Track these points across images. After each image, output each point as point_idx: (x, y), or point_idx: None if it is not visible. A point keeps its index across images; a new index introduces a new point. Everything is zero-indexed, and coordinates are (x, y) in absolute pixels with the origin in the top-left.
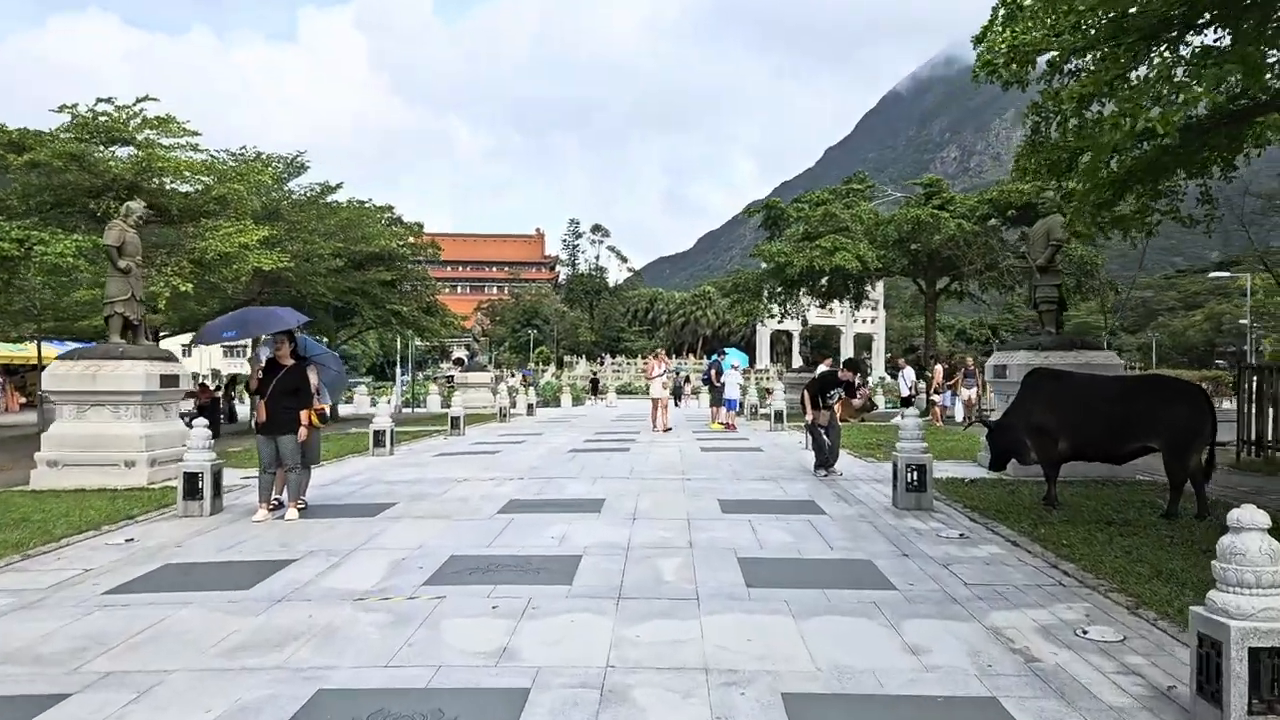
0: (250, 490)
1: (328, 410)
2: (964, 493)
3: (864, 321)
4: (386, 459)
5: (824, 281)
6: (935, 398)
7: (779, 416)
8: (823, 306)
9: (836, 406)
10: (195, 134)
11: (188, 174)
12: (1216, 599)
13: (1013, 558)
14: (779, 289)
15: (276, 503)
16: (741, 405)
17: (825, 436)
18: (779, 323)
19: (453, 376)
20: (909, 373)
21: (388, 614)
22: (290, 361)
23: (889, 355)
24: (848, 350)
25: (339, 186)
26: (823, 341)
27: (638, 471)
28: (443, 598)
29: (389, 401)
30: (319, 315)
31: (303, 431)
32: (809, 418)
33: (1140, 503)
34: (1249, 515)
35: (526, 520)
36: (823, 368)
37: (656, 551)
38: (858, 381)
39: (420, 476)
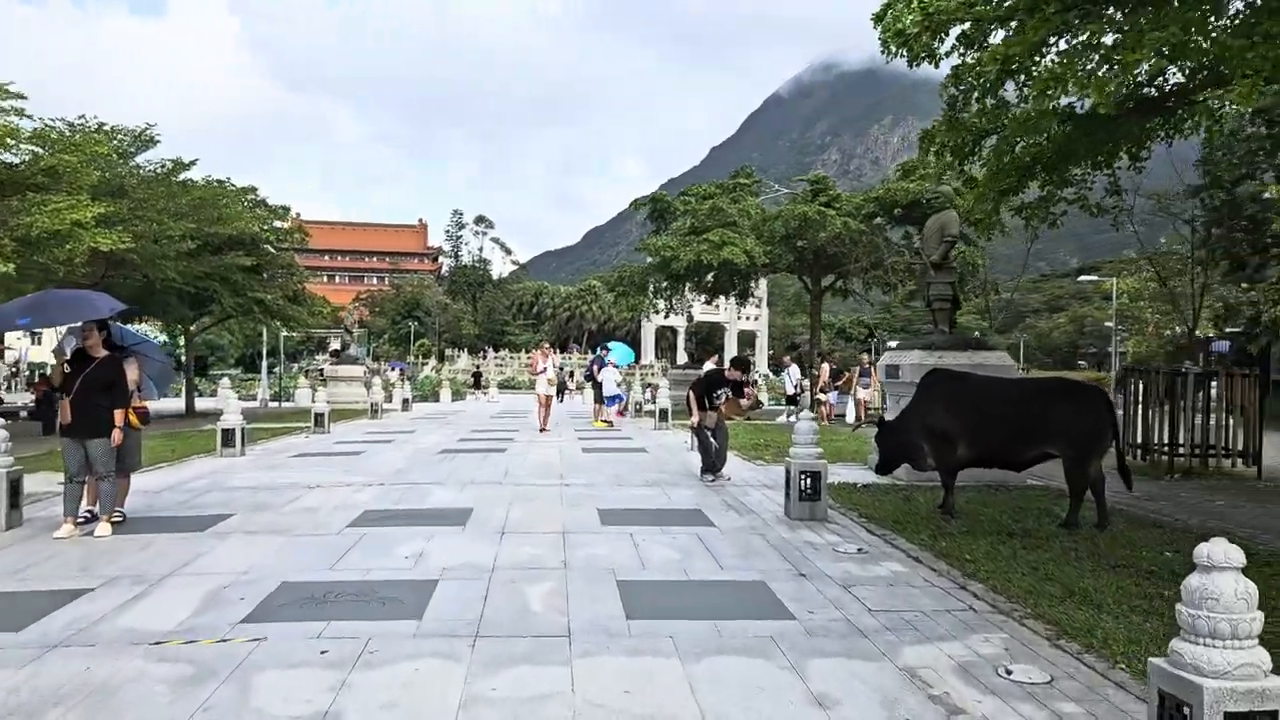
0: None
1: (150, 408)
2: (858, 500)
3: (748, 318)
4: (235, 461)
5: (710, 277)
6: (821, 396)
7: (663, 415)
8: (709, 303)
9: (723, 407)
10: (20, 97)
11: (10, 142)
12: (1185, 652)
13: (917, 576)
14: (665, 284)
15: (87, 515)
16: (625, 402)
17: (712, 439)
18: (666, 318)
19: (324, 369)
20: (794, 370)
21: (188, 664)
22: (103, 353)
23: (771, 352)
24: (731, 347)
25: (193, 163)
26: (707, 338)
27: (513, 475)
28: (262, 640)
29: (257, 395)
30: (172, 302)
31: (117, 434)
32: (695, 420)
33: (1037, 510)
34: (1221, 551)
35: (380, 535)
36: (709, 365)
37: (526, 574)
38: (746, 380)
39: (268, 482)
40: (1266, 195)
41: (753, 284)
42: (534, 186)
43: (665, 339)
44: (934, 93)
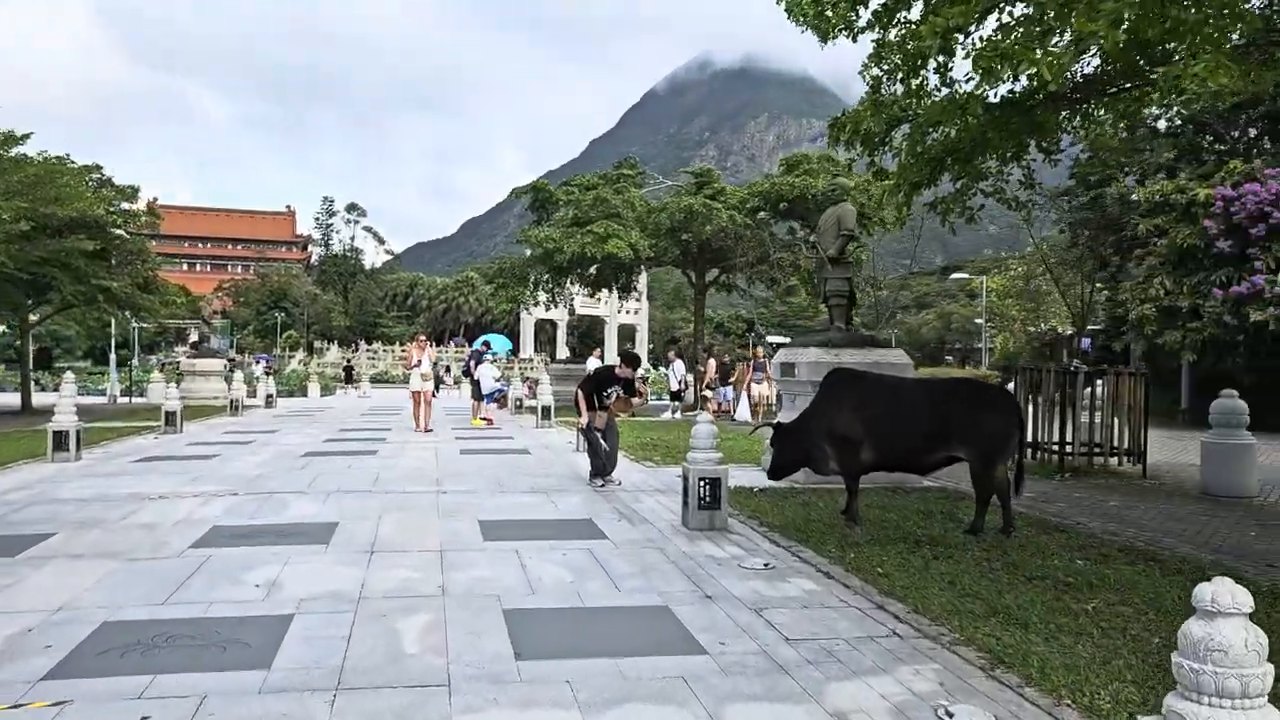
0: None
1: None
2: (756, 506)
3: (628, 312)
4: (67, 467)
5: (593, 270)
6: (708, 393)
7: (546, 412)
8: (591, 295)
9: (613, 406)
10: None
11: None
12: (1187, 714)
13: (831, 595)
14: (547, 276)
15: None
16: (505, 397)
17: (602, 441)
18: (548, 311)
19: (180, 362)
20: (679, 366)
21: None
22: None
23: (651, 346)
24: (612, 341)
25: (26, 138)
26: (587, 332)
27: (384, 482)
28: (66, 703)
29: (106, 391)
30: (5, 289)
31: None
32: (583, 421)
33: (941, 515)
34: (1227, 594)
35: (228, 558)
36: (593, 360)
37: (398, 604)
38: (636, 378)
39: (103, 492)
40: (1134, 197)
41: (635, 277)
42: (409, 175)
43: (545, 332)
44: (808, 92)
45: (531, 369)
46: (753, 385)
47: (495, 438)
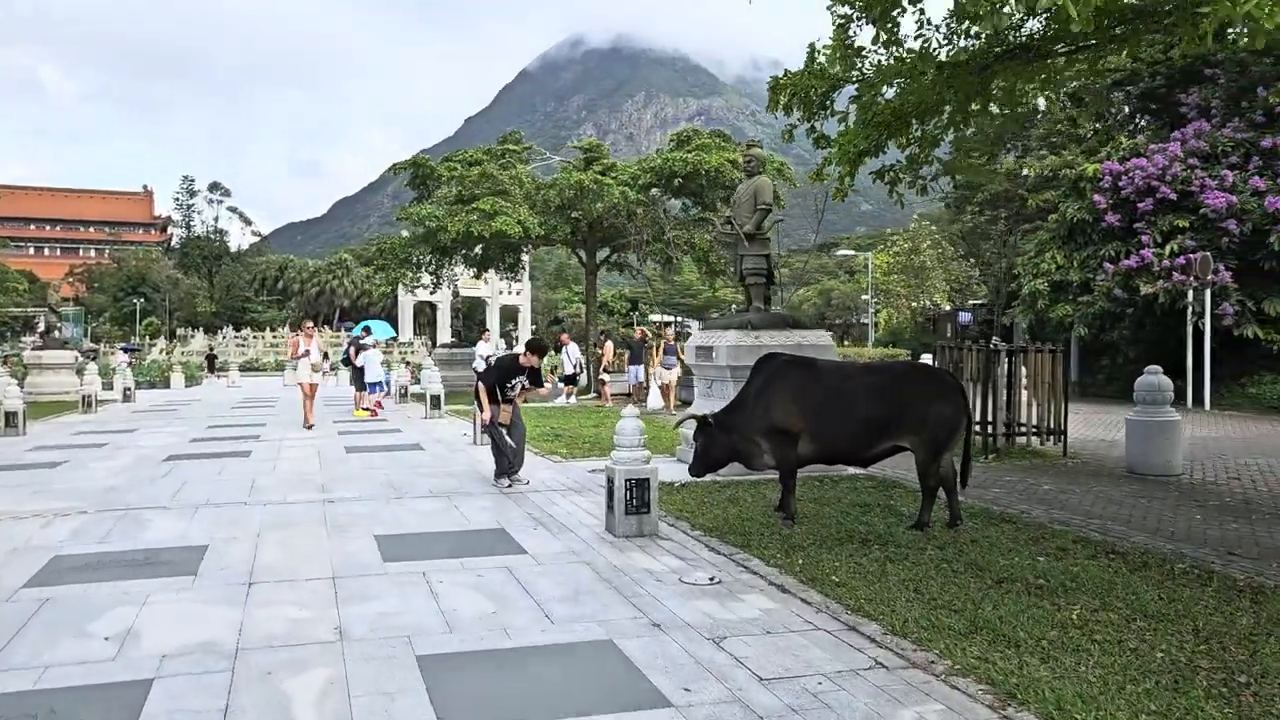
0: None
1: None
2: (681, 505)
3: (511, 293)
4: None
5: (479, 249)
6: (605, 376)
7: (435, 401)
8: (477, 276)
9: (518, 399)
10: None
11: None
12: None
13: (793, 615)
14: (430, 256)
15: None
16: (389, 388)
17: (508, 437)
18: (432, 293)
19: (23, 355)
20: (573, 349)
21: None
22: None
23: (534, 327)
24: (494, 322)
25: None
26: (468, 314)
27: (262, 490)
28: None
29: None
30: None
31: None
32: (485, 416)
33: (878, 506)
34: None
35: (72, 600)
36: (483, 345)
37: (286, 655)
38: (540, 367)
39: None
40: (1026, 173)
41: (524, 256)
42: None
43: (424, 315)
44: (684, 71)
45: (412, 353)
46: (663, 370)
47: (382, 431)
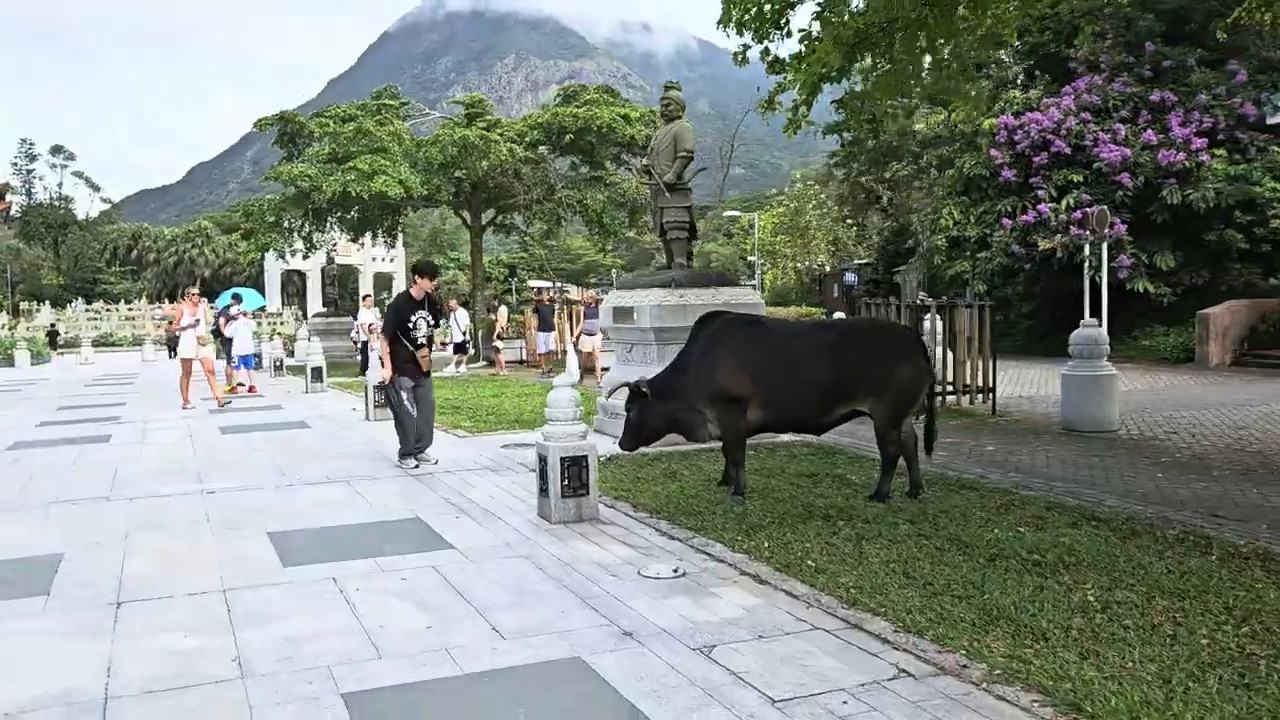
0: None
1: None
2: (615, 483)
3: (384, 260)
4: None
5: (355, 211)
6: (498, 344)
7: (317, 374)
8: (354, 240)
9: (424, 355)
10: None
11: None
12: None
13: (782, 612)
14: (303, 219)
15: None
16: (260, 359)
17: (411, 408)
18: (305, 259)
19: None
20: (462, 315)
21: None
22: None
23: None
24: (368, 290)
25: None
26: (339, 281)
27: (126, 481)
28: None
29: None
30: None
31: None
32: (385, 374)
33: (828, 476)
34: None
35: None
36: (366, 313)
37: (172, 705)
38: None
39: None
40: (919, 127)
41: (402, 219)
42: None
43: (293, 284)
44: (554, 34)
45: (282, 324)
46: (584, 336)
47: (260, 408)
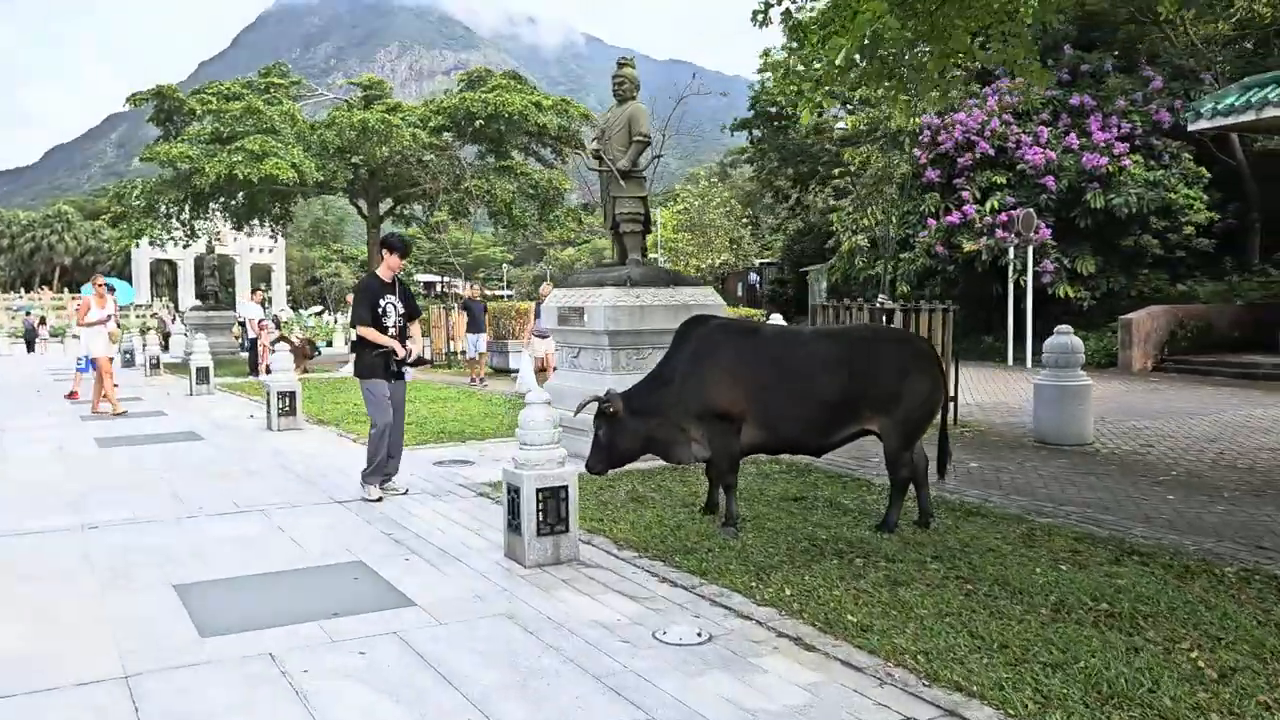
0: None
1: None
2: (580, 510)
3: (262, 250)
4: None
5: (242, 196)
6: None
7: (203, 375)
8: (238, 227)
9: (405, 348)
10: None
11: None
12: None
13: (853, 694)
14: (183, 204)
15: None
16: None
17: (383, 414)
18: (185, 247)
19: None
20: None
21: None
22: None
23: (289, 288)
24: (245, 282)
25: None
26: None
27: None
28: None
29: None
30: None
31: None
32: (402, 349)
33: (821, 502)
34: None
35: None
36: (252, 307)
37: None
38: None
39: None
40: (842, 125)
41: (292, 205)
42: None
43: (164, 274)
44: (439, 22)
45: (150, 316)
46: (535, 340)
47: (141, 415)
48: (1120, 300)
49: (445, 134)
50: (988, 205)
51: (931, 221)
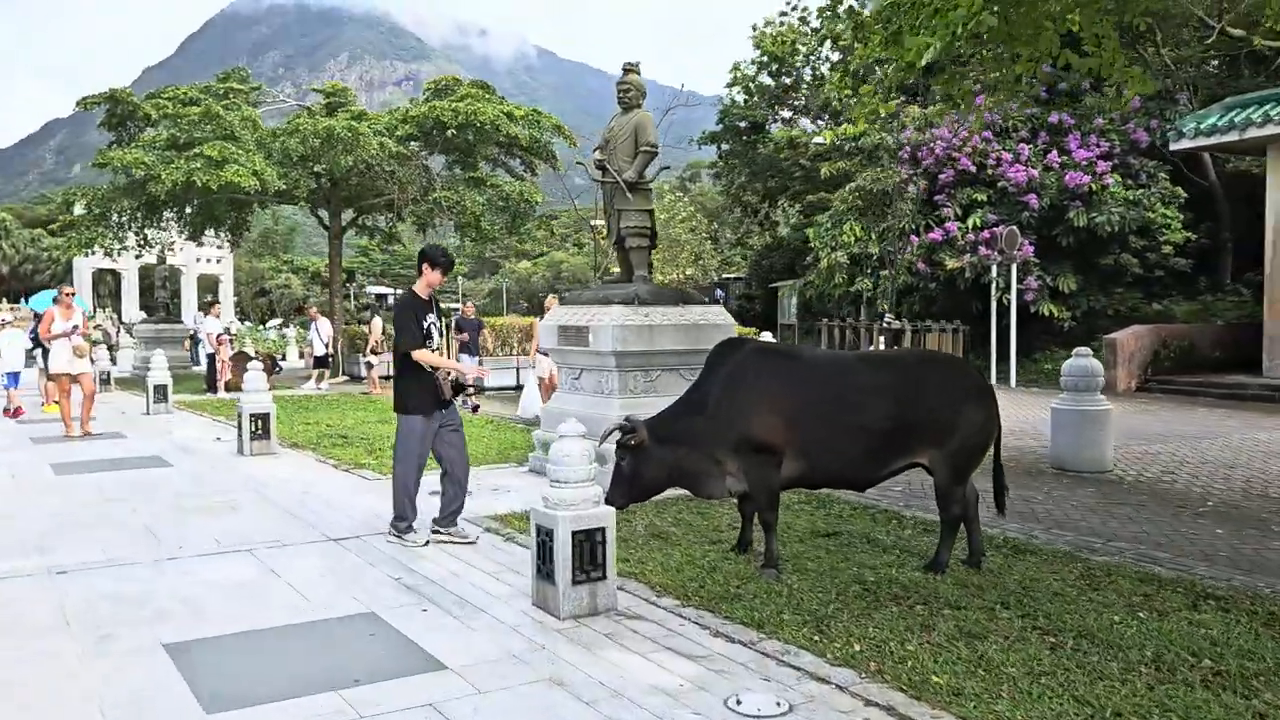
0: None
1: None
2: None
3: (209, 261)
4: None
5: (197, 205)
6: (372, 359)
7: (161, 392)
8: (192, 238)
9: (447, 379)
10: None
11: None
12: None
13: None
14: (136, 211)
15: None
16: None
17: (420, 455)
18: (138, 257)
19: None
20: (324, 325)
21: None
22: None
23: (237, 299)
24: (191, 294)
25: None
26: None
27: None
28: None
29: None
30: None
31: None
32: (466, 372)
33: (849, 536)
34: None
35: None
36: (212, 321)
37: None
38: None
39: None
40: (819, 139)
41: (250, 216)
42: None
43: (105, 284)
44: (389, 33)
45: (95, 328)
46: (541, 359)
47: (98, 437)
48: (1099, 319)
49: (413, 143)
50: (969, 222)
51: (914, 238)
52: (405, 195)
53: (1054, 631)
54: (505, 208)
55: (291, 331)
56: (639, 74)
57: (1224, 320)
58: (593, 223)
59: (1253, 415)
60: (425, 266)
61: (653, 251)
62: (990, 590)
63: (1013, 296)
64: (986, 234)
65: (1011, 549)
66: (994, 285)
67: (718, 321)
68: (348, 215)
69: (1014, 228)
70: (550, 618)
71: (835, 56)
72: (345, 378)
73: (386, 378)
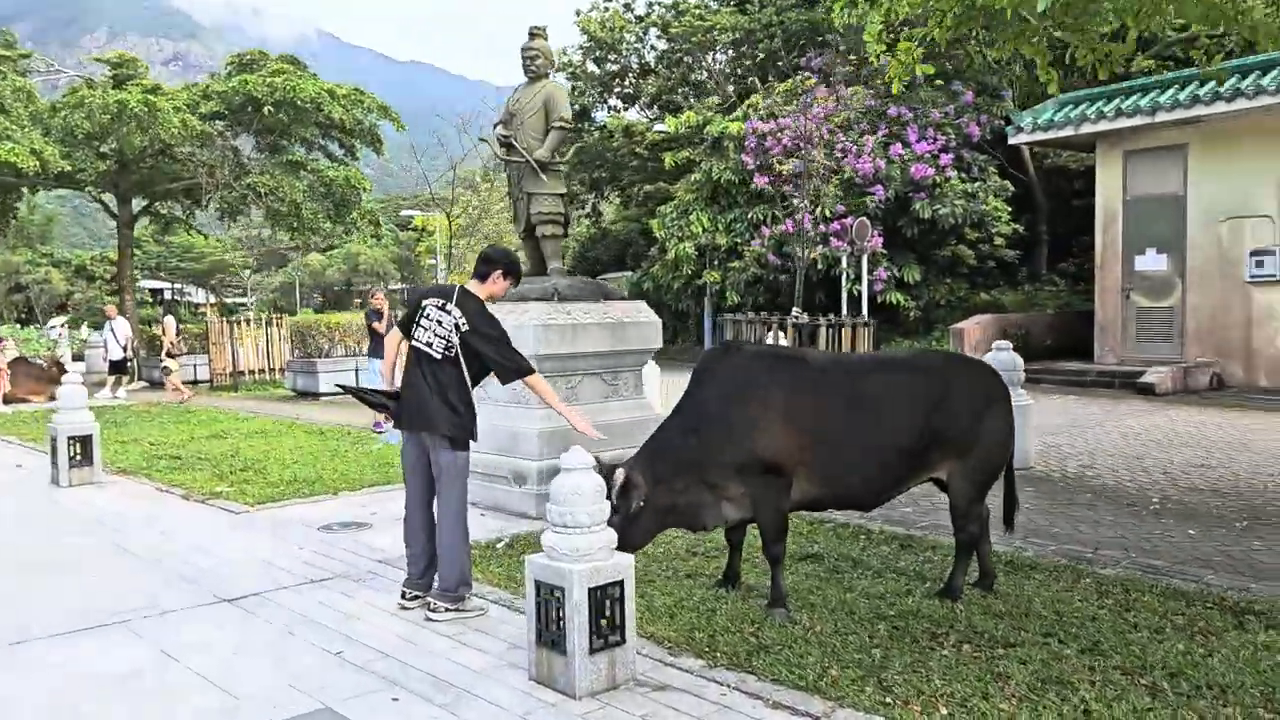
0: None
1: None
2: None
3: None
4: None
5: None
6: (170, 363)
7: None
8: None
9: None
10: None
11: None
12: None
13: None
14: None
15: None
16: None
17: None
18: None
19: None
20: (122, 325)
21: None
22: None
23: None
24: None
25: None
26: None
27: None
28: None
29: None
30: None
31: None
32: (586, 427)
33: (841, 561)
34: None
35: None
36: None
37: None
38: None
39: None
40: (663, 127)
41: (18, 201)
42: None
43: None
44: (155, 10)
45: None
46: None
47: None
48: (937, 309)
49: (218, 122)
50: (817, 213)
51: (765, 229)
52: (214, 180)
53: (1137, 671)
54: (328, 194)
55: (65, 331)
56: (546, 39)
57: (1049, 309)
58: (404, 213)
59: (1104, 402)
60: (498, 275)
61: (468, 245)
62: (1024, 618)
63: (863, 287)
64: (836, 225)
65: (1007, 564)
66: (844, 276)
67: (642, 319)
68: (139, 203)
69: (864, 219)
70: (562, 697)
71: (663, 45)
72: (144, 383)
73: (194, 382)
